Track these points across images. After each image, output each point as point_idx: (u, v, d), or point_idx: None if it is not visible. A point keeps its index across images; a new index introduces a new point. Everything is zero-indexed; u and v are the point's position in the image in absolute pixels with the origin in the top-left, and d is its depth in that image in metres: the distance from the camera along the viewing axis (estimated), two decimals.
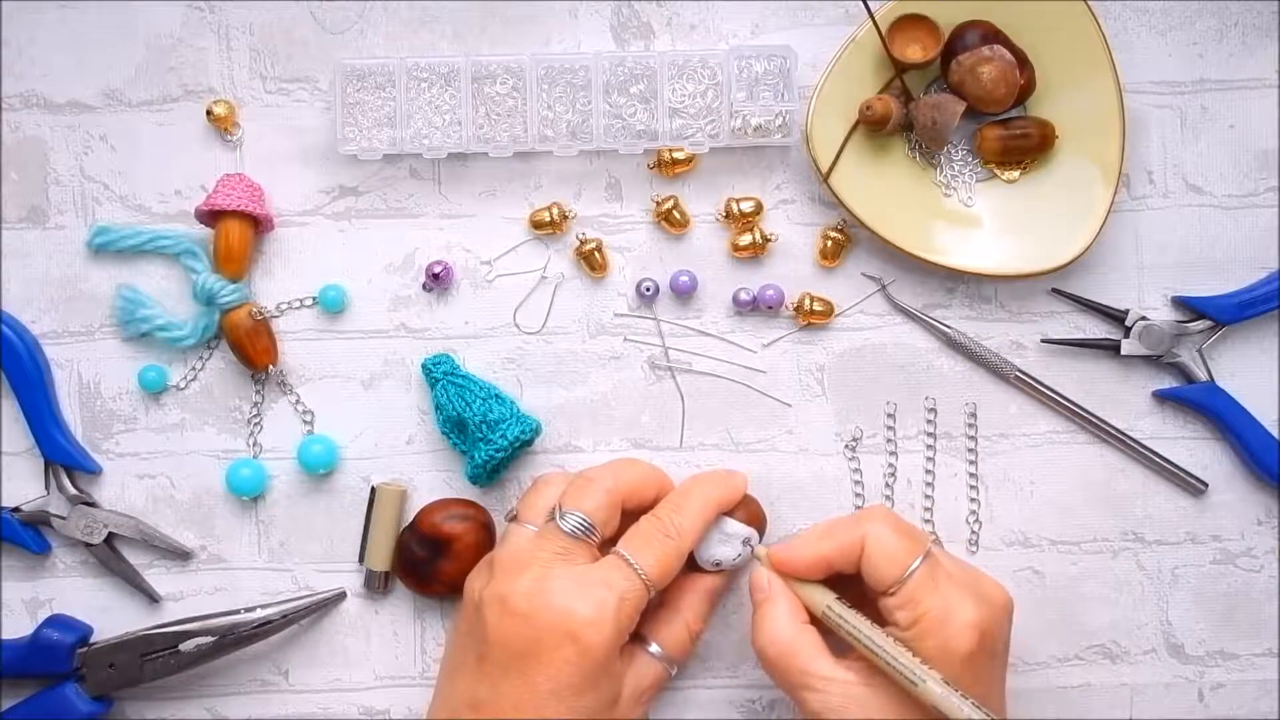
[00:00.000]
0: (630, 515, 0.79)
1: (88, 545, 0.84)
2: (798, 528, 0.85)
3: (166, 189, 0.85)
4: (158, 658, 0.82)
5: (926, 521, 0.85)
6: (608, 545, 0.78)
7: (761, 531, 0.81)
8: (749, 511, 0.81)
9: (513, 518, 0.80)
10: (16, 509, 0.84)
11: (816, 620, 0.76)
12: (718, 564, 0.80)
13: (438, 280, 0.84)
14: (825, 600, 0.76)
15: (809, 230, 0.85)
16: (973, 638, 0.72)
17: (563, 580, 0.74)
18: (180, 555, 0.85)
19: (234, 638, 0.82)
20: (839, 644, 0.75)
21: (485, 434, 0.81)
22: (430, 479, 0.85)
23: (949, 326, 0.85)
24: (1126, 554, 0.85)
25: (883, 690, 0.73)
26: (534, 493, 0.80)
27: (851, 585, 0.76)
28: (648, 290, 0.84)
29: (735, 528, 0.80)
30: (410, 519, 0.84)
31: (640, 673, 0.78)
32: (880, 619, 0.75)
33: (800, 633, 0.75)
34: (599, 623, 0.73)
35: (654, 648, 0.79)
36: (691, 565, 0.80)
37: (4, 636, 0.84)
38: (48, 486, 0.84)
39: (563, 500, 0.77)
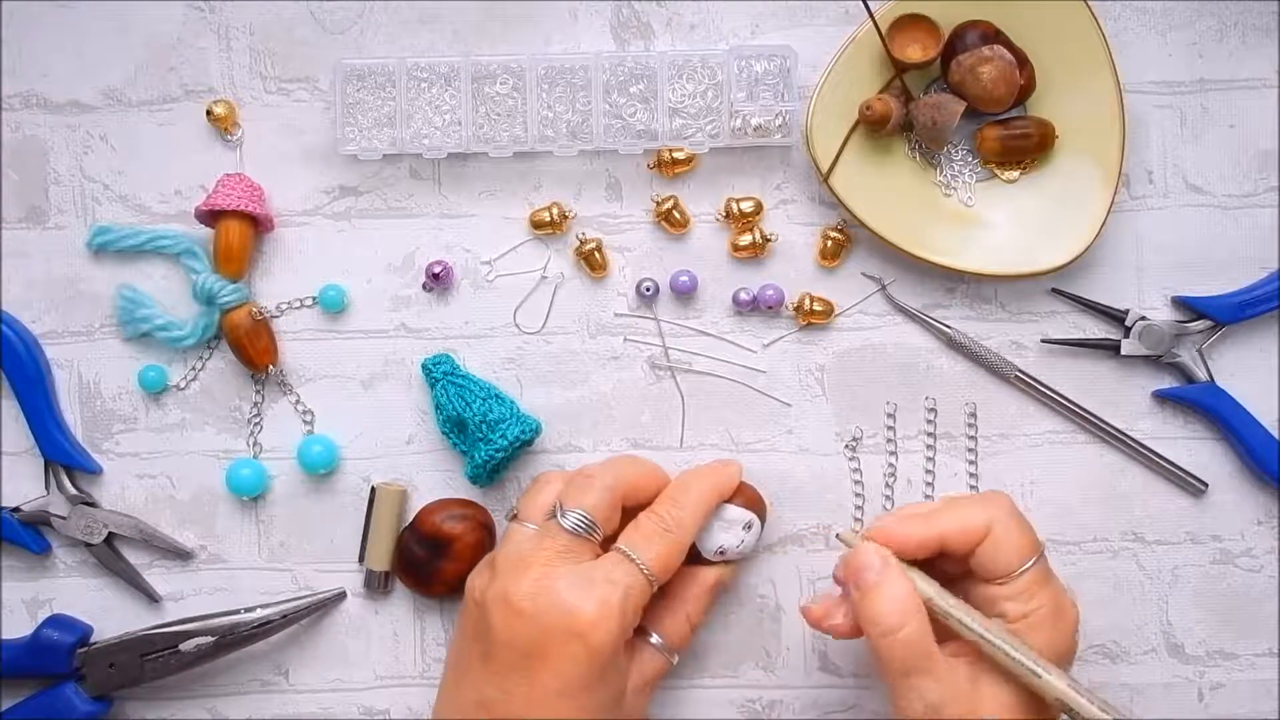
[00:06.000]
0: (629, 513, 0.79)
1: (88, 545, 0.84)
2: (798, 528, 0.85)
3: (166, 189, 0.85)
4: (158, 658, 0.82)
5: None
6: (607, 544, 0.78)
7: (762, 516, 0.81)
8: (746, 497, 0.81)
9: (513, 517, 0.80)
10: (16, 509, 0.84)
11: None
12: (722, 552, 0.80)
13: (438, 280, 0.84)
14: (930, 588, 0.72)
15: (809, 230, 0.85)
16: (1076, 639, 0.73)
17: (566, 579, 0.74)
18: (180, 555, 0.85)
19: (234, 638, 0.82)
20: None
21: (485, 434, 0.81)
22: (430, 479, 0.85)
23: (949, 326, 0.85)
24: (1126, 554, 0.85)
25: (989, 678, 0.71)
26: (534, 491, 0.80)
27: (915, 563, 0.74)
28: (648, 290, 0.84)
29: (734, 513, 0.80)
30: (410, 519, 0.84)
31: (644, 664, 0.78)
32: (975, 605, 0.73)
33: (922, 614, 0.72)
34: (604, 620, 0.73)
35: (655, 638, 0.79)
36: (696, 558, 0.80)
37: (4, 636, 0.84)
38: (48, 486, 0.84)
39: (563, 498, 0.77)
